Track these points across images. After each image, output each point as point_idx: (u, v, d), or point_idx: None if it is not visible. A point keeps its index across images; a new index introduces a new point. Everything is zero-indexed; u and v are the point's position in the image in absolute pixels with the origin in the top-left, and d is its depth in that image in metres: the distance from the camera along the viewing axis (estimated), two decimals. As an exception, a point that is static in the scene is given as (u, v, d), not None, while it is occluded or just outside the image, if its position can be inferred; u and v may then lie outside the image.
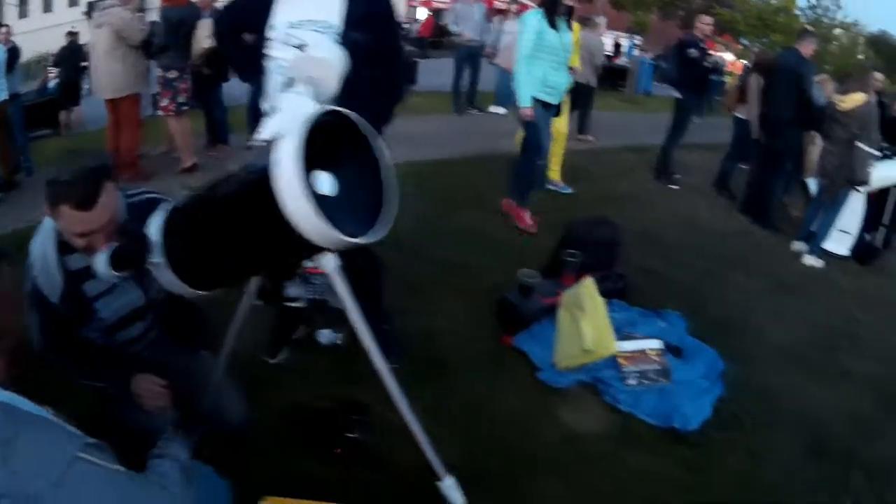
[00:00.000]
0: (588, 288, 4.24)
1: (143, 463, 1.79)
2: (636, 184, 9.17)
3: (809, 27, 19.18)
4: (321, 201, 1.73)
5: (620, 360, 4.17)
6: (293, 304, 3.18)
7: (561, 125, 7.16)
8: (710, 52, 9.38)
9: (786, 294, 6.61)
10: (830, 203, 7.43)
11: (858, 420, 4.71)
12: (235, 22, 3.51)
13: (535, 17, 6.00)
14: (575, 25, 6.79)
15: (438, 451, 2.62)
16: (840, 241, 7.97)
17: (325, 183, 1.85)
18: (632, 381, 4.14)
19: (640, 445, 3.78)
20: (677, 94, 9.18)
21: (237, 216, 1.91)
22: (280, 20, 3.04)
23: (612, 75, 17.74)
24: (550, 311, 4.48)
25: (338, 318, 3.21)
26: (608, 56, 16.20)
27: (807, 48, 8.19)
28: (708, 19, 9.30)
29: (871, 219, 8.58)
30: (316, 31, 2.97)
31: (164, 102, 7.83)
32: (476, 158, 8.85)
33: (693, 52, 8.80)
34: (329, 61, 2.70)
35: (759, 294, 6.42)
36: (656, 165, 9.39)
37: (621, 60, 23.97)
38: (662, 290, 5.74)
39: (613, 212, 6.85)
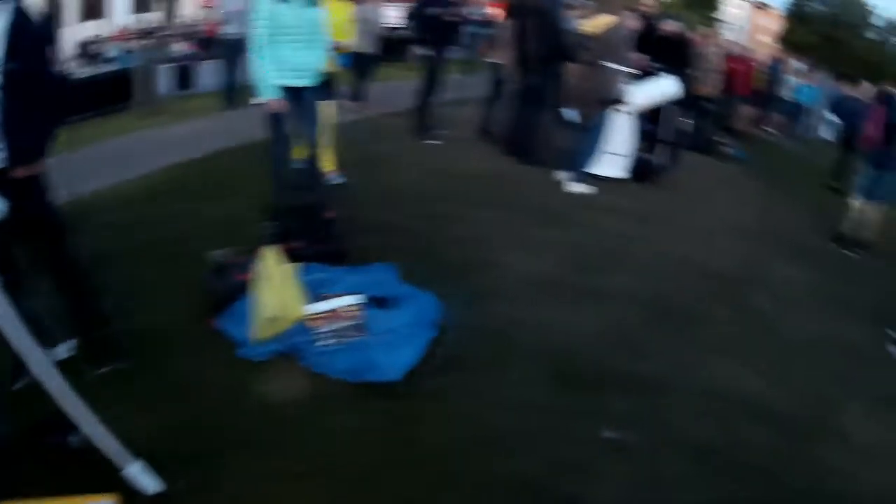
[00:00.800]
0: (269, 258, 3.97)
1: None
2: (396, 145, 8.78)
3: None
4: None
5: (313, 323, 3.91)
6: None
7: (330, 112, 6.58)
8: (459, 6, 9.09)
9: (545, 224, 6.48)
10: (589, 128, 7.30)
11: (620, 340, 4.61)
12: None
13: (265, 1, 5.44)
14: (345, 4, 6.38)
15: (141, 439, 2.83)
16: (613, 163, 7.94)
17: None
18: (326, 342, 3.86)
19: (340, 406, 3.52)
20: (424, 52, 8.92)
21: None
22: None
23: (398, 46, 17.23)
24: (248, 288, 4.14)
25: (68, 333, 3.54)
26: (396, 28, 15.79)
27: None
28: None
29: (652, 138, 8.65)
30: None
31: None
32: (235, 151, 8.35)
33: (433, 9, 8.57)
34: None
35: (514, 229, 6.25)
36: (415, 124, 9.07)
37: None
38: (399, 242, 5.45)
39: (364, 174, 6.66)
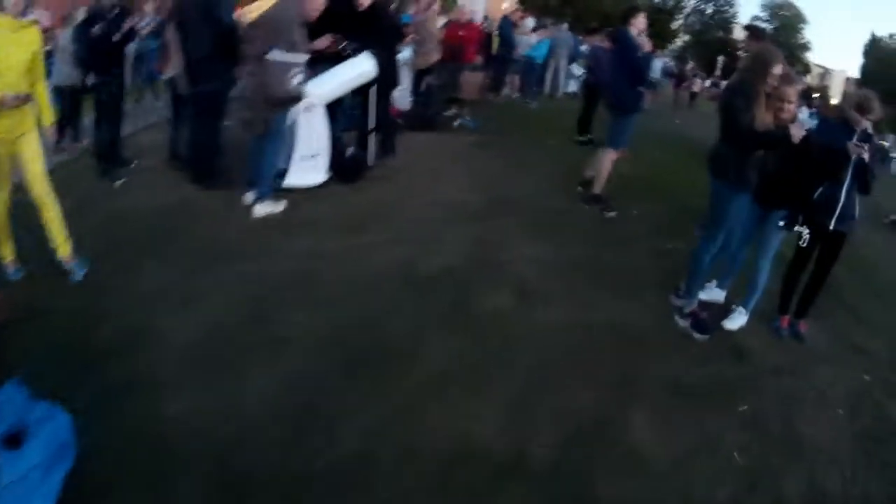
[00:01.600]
0: None
1: None
2: (77, 191, 6.52)
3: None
4: None
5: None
6: None
7: (33, 175, 4.67)
8: (128, 19, 7.48)
9: (222, 264, 5.24)
10: (267, 135, 6.12)
11: (300, 412, 3.67)
12: None
13: None
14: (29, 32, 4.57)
15: None
16: (308, 169, 6.79)
17: None
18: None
19: None
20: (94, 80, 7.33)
21: None
22: None
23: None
24: None
25: None
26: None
27: None
28: None
29: (362, 128, 7.56)
30: None
31: None
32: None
33: (98, 28, 6.98)
34: None
35: (182, 279, 4.96)
36: (97, 162, 7.36)
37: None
38: (44, 333, 4.15)
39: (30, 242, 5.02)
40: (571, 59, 18.00)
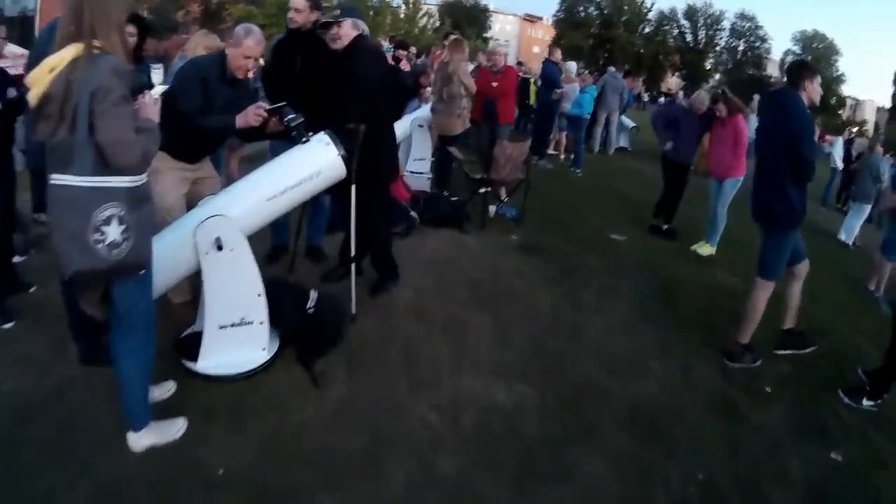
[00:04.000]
0: None
1: None
2: None
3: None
4: None
5: None
6: None
7: None
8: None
9: None
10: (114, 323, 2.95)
11: None
12: None
13: None
14: None
15: None
16: (240, 343, 3.79)
17: None
18: None
19: None
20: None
21: None
22: None
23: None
24: None
25: None
26: None
27: None
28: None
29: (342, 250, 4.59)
30: None
31: None
32: None
33: None
34: None
35: None
36: None
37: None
38: None
39: None
40: (622, 109, 14.80)
